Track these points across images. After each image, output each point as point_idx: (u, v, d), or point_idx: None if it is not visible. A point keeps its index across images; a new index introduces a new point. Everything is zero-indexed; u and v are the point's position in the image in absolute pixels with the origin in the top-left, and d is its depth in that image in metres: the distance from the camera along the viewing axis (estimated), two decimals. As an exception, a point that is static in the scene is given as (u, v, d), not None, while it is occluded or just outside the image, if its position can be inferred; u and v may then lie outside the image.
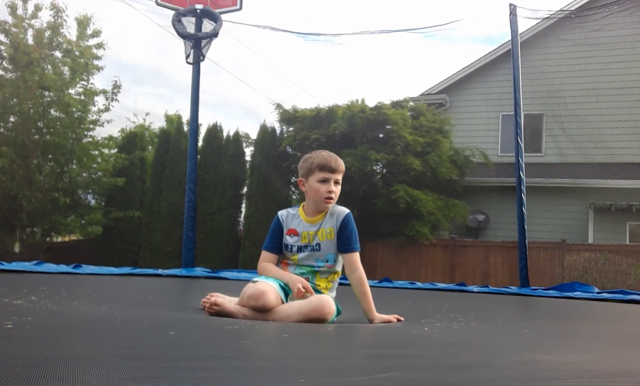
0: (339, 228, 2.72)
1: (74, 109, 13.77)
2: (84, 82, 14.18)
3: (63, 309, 2.52)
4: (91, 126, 14.52)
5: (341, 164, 2.74)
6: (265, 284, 2.55)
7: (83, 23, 14.36)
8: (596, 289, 6.02)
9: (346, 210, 2.79)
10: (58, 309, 2.49)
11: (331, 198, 2.70)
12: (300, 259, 2.74)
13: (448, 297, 5.11)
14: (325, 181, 2.69)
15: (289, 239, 2.75)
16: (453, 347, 1.92)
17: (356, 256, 2.76)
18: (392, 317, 2.73)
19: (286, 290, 2.62)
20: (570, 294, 5.57)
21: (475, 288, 6.30)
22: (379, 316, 2.71)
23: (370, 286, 2.81)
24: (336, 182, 2.72)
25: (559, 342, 2.30)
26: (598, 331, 2.91)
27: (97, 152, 15.19)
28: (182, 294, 4.62)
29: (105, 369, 1.16)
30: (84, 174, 14.52)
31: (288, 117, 14.08)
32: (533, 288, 6.79)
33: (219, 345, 1.69)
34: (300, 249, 2.74)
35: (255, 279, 2.68)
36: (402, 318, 2.76)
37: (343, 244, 2.72)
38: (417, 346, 1.90)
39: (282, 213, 2.82)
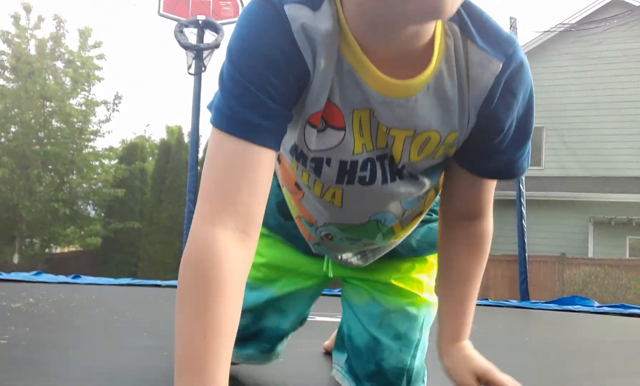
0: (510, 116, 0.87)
1: (74, 120, 13.80)
2: (85, 93, 14.24)
3: (60, 329, 2.50)
4: (92, 137, 14.54)
5: None
6: None
7: (85, 34, 14.42)
8: (596, 304, 5.99)
9: (513, 46, 0.84)
10: (56, 327, 2.47)
11: None
12: (346, 201, 0.98)
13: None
14: None
15: (311, 137, 0.86)
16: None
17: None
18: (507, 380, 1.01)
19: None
20: (570, 307, 5.54)
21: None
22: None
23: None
24: None
25: (560, 356, 2.29)
26: (599, 343, 2.90)
27: (97, 163, 15.18)
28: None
29: None
30: (84, 185, 14.52)
31: (288, 128, 14.09)
32: (533, 301, 6.75)
33: None
34: (346, 170, 0.91)
35: None
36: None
37: (496, 159, 0.94)
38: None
39: (291, 12, 0.76)
